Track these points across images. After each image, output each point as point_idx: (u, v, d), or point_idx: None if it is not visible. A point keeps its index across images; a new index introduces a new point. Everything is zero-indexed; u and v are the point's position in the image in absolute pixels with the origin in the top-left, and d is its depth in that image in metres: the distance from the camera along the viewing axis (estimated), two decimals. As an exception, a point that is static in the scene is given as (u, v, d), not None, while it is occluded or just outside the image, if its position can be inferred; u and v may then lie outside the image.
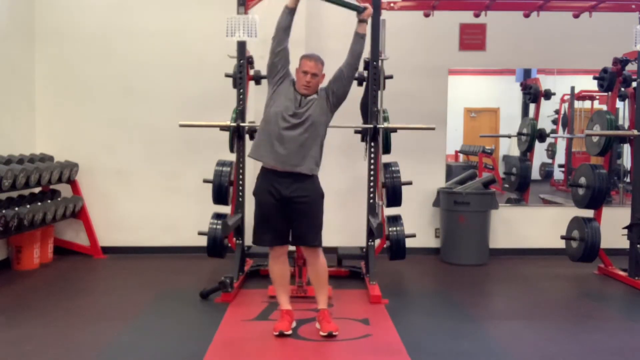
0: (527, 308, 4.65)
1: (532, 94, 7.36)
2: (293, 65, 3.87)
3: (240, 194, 5.07)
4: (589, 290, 5.20)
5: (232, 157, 5.13)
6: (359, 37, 3.84)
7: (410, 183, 5.10)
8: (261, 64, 4.96)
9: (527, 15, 5.66)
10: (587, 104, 8.38)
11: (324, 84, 3.87)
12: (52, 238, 5.96)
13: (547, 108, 8.21)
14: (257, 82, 5.31)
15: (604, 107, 6.87)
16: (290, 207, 3.76)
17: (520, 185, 6.82)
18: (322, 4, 3.87)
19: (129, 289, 5.03)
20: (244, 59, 5.03)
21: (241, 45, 5.02)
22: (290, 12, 3.79)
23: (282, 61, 3.81)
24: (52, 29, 6.17)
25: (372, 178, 5.04)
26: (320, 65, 3.79)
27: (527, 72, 7.62)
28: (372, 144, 5.02)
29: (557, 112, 8.61)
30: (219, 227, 4.87)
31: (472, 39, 6.35)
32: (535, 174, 7.63)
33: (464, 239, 6.04)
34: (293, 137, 3.69)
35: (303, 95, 3.76)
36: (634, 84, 5.47)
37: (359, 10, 3.83)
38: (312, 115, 3.73)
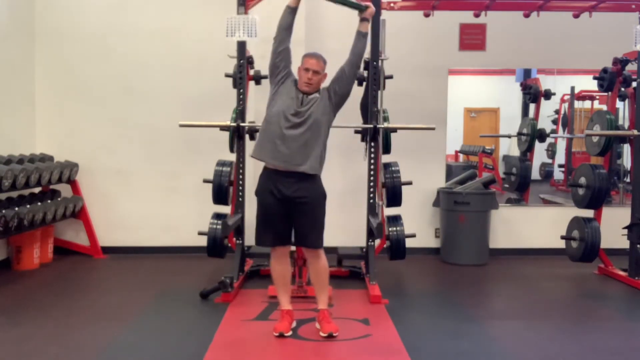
0: (527, 308, 4.65)
1: (532, 94, 7.36)
2: (295, 65, 3.88)
3: (240, 194, 5.07)
4: (589, 290, 5.21)
5: (232, 157, 5.13)
6: (361, 36, 3.83)
7: (410, 183, 5.10)
8: (261, 64, 4.96)
9: (527, 15, 5.66)
10: (587, 104, 8.38)
11: (326, 83, 3.86)
12: (52, 238, 5.96)
13: (547, 108, 8.20)
14: (257, 82, 5.31)
15: (604, 107, 6.87)
16: (292, 207, 3.75)
17: (520, 185, 6.81)
18: (322, 3, 3.87)
19: (129, 289, 5.03)
20: (244, 59, 5.03)
21: (241, 45, 5.02)
22: (292, 11, 3.78)
23: (284, 61, 3.81)
24: (52, 29, 6.17)
25: (372, 178, 5.04)
26: (322, 63, 3.79)
27: (527, 72, 7.62)
28: (372, 144, 5.02)
29: (557, 112, 8.60)
30: (219, 227, 4.87)
31: (472, 39, 6.35)
32: (535, 174, 7.63)
33: (464, 239, 6.04)
34: (295, 136, 3.68)
35: (305, 93, 3.76)
36: (634, 84, 5.47)
37: (361, 9, 3.82)
38: (313, 114, 3.72)
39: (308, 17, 5.92)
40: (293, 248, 4.13)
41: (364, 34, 3.84)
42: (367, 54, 5.03)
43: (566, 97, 8.36)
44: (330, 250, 5.10)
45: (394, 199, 5.00)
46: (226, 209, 5.20)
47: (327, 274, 3.94)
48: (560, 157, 8.57)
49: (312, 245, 3.83)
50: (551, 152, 8.60)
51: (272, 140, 3.71)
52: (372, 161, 5.02)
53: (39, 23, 6.15)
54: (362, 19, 3.83)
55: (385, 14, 5.12)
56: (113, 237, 6.27)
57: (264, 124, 3.82)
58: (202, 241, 5.00)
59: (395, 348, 3.62)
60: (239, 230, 5.10)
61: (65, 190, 6.12)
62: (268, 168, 3.80)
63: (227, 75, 5.22)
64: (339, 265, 5.43)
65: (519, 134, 6.83)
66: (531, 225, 6.53)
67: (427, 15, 5.71)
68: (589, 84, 6.67)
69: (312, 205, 3.78)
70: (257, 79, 5.28)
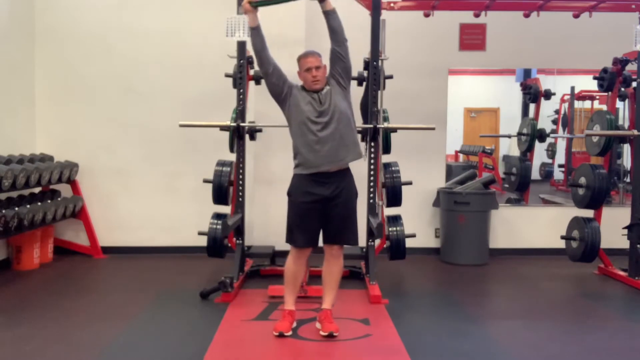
0: (527, 308, 4.65)
1: (532, 94, 7.36)
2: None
3: (240, 194, 5.07)
4: (589, 290, 5.21)
5: (232, 157, 5.13)
6: (330, 15, 3.78)
7: (410, 183, 5.10)
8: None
9: (527, 15, 5.66)
10: (587, 104, 8.39)
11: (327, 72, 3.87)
12: (52, 238, 5.96)
13: (547, 108, 8.21)
14: (257, 82, 5.30)
15: (604, 107, 6.88)
16: (330, 206, 3.77)
17: (520, 185, 6.81)
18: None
19: (129, 289, 5.03)
20: (244, 59, 5.03)
21: (241, 45, 5.02)
22: (256, 31, 3.78)
23: (281, 78, 3.81)
24: (52, 29, 6.17)
25: (372, 178, 5.04)
26: (318, 56, 3.81)
27: (527, 72, 7.63)
28: (372, 144, 5.02)
29: (557, 112, 8.61)
30: (219, 227, 4.87)
31: (472, 39, 6.35)
32: (535, 174, 7.64)
33: (464, 239, 6.04)
34: (331, 134, 3.71)
35: (317, 91, 3.77)
36: (634, 84, 5.47)
37: None
38: (336, 105, 3.74)
39: (308, 18, 5.91)
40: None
41: (330, 11, 3.78)
42: (367, 54, 5.06)
43: (566, 97, 8.37)
44: (330, 250, 5.11)
45: (394, 199, 5.01)
46: (226, 209, 5.20)
47: (341, 274, 3.96)
48: (560, 157, 8.58)
49: (349, 241, 3.86)
50: (551, 152, 8.60)
51: (311, 149, 3.72)
52: (372, 161, 5.02)
53: (39, 23, 6.15)
54: (320, 1, 3.78)
55: (385, 14, 5.11)
56: (113, 237, 6.27)
57: (294, 140, 3.81)
58: (202, 241, 5.00)
59: (395, 348, 3.62)
60: (239, 230, 5.10)
61: (65, 190, 6.12)
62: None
63: (227, 75, 5.22)
64: (339, 265, 5.43)
65: (519, 134, 6.84)
66: (531, 225, 6.53)
67: (427, 15, 5.71)
68: (589, 84, 6.67)
69: (348, 202, 3.82)
70: (257, 79, 5.28)
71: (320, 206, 3.77)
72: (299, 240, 3.83)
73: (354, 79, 4.48)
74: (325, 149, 3.71)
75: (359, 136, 5.17)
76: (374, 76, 5.01)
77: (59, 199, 5.93)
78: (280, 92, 3.82)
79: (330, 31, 3.81)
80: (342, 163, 3.77)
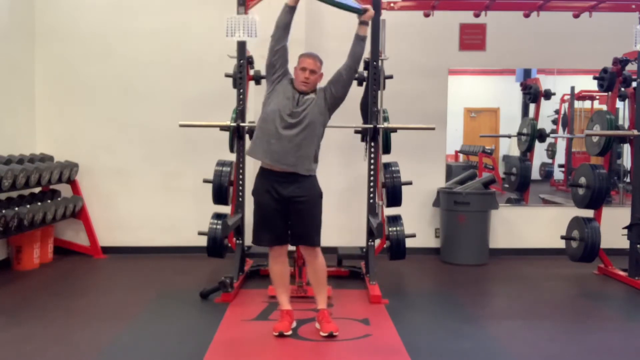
0: (527, 308, 4.65)
1: (532, 94, 7.35)
2: (292, 64, 3.88)
3: (240, 194, 5.08)
4: (589, 290, 5.21)
5: (232, 157, 5.14)
6: (359, 39, 3.82)
7: (410, 183, 5.10)
8: (261, 64, 4.93)
9: (527, 15, 5.66)
10: (587, 104, 8.39)
11: (322, 84, 3.86)
12: (52, 238, 5.96)
13: (547, 108, 8.21)
14: (257, 82, 5.31)
15: (604, 107, 6.87)
16: (289, 207, 3.76)
17: (520, 185, 6.81)
18: (322, 3, 3.86)
19: (129, 289, 5.03)
20: (244, 59, 5.04)
21: (241, 45, 5.02)
22: (290, 10, 3.78)
23: (281, 60, 3.81)
24: (52, 29, 6.17)
25: (372, 178, 5.04)
26: (319, 63, 3.80)
27: (527, 72, 7.62)
28: (372, 144, 5.02)
29: (557, 112, 8.61)
30: (219, 227, 4.88)
31: (472, 39, 6.35)
32: (535, 174, 7.63)
33: (464, 239, 6.04)
34: (290, 136, 3.68)
35: (301, 93, 3.76)
36: (634, 84, 5.47)
37: (359, 12, 3.81)
38: (309, 115, 3.72)
39: (308, 17, 5.92)
40: (292, 248, 4.12)
41: (362, 37, 3.82)
42: (367, 54, 5.05)
43: (566, 97, 8.37)
44: (330, 250, 5.13)
45: (394, 199, 5.00)
46: (226, 209, 5.20)
47: (325, 273, 3.94)
48: (560, 157, 8.58)
49: (310, 243, 3.84)
50: (551, 152, 8.60)
51: (267, 139, 3.71)
52: (372, 161, 5.02)
53: (39, 23, 6.15)
54: (361, 22, 3.81)
55: (385, 14, 5.12)
56: (113, 237, 6.27)
57: (259, 122, 3.82)
58: (202, 241, 5.00)
59: (395, 348, 3.62)
60: (239, 230, 5.10)
61: (65, 190, 6.12)
62: (264, 168, 3.80)
63: (227, 75, 5.22)
64: (339, 265, 5.43)
65: (519, 134, 6.83)
66: (531, 225, 6.53)
67: (427, 15, 5.71)
68: (589, 84, 6.66)
69: (309, 204, 3.78)
70: (257, 79, 5.28)
71: (280, 205, 3.75)
72: (264, 240, 3.84)
73: (354, 79, 4.48)
74: (277, 147, 3.68)
75: (359, 136, 5.20)
76: (374, 76, 5.01)
77: (59, 199, 5.93)
78: (274, 72, 3.81)
79: (350, 53, 3.82)
80: (288, 168, 3.71)
